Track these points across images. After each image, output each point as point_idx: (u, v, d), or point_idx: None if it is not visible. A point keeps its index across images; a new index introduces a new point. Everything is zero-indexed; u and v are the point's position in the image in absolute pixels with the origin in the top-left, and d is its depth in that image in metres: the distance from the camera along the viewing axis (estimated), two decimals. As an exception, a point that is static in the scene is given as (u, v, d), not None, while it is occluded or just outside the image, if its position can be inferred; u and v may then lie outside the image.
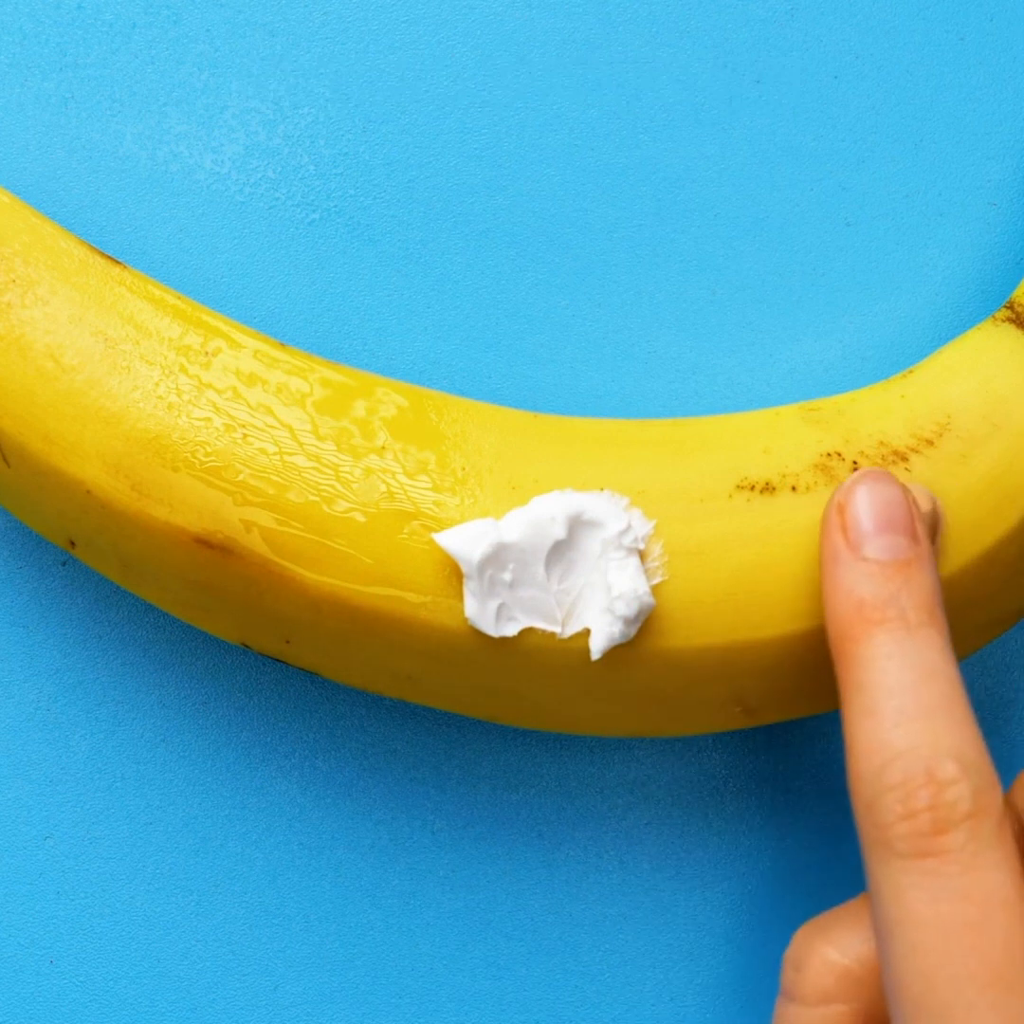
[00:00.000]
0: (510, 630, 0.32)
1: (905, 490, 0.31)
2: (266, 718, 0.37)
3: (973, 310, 0.38)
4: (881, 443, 0.33)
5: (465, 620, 0.32)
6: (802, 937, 0.31)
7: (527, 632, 0.32)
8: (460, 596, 0.32)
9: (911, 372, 0.34)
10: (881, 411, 0.33)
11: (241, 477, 0.32)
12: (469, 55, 0.38)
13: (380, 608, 0.32)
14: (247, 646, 0.34)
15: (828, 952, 0.30)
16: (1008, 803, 0.31)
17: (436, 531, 0.32)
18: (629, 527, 0.32)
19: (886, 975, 0.28)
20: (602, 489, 0.32)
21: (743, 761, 0.37)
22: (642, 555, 0.32)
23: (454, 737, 0.37)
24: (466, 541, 0.31)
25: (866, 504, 0.31)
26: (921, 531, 0.31)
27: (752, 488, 0.32)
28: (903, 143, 0.38)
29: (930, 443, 0.33)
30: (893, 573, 0.30)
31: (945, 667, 0.29)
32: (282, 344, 0.34)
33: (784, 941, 0.37)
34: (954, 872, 0.27)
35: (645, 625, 0.32)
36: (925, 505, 0.32)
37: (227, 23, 0.38)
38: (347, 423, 0.33)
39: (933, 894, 0.27)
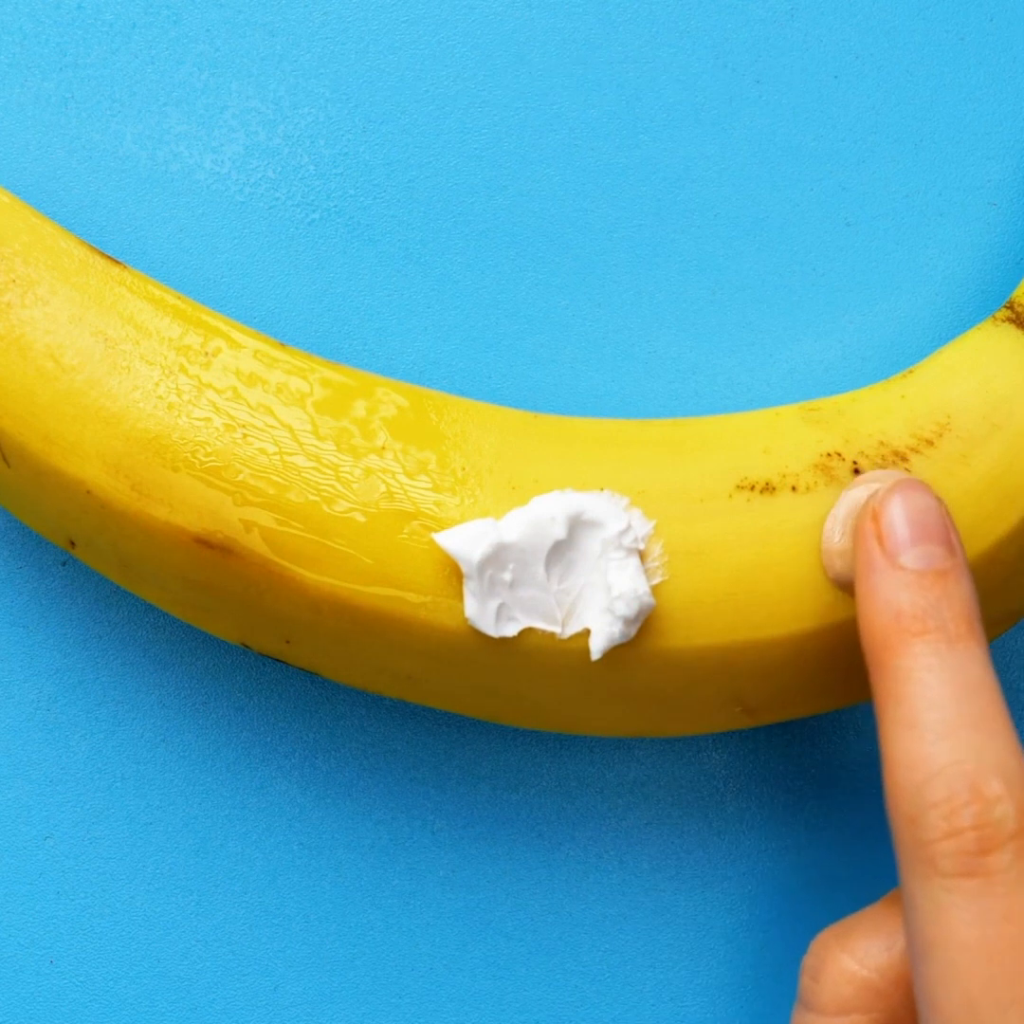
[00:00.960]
0: (510, 630, 0.32)
1: (939, 499, 0.31)
2: (266, 718, 0.37)
3: (973, 310, 0.38)
4: (881, 443, 0.33)
5: (465, 620, 0.32)
6: (820, 945, 0.31)
7: (527, 632, 0.32)
8: (460, 596, 0.32)
9: (911, 372, 0.34)
10: (881, 411, 0.33)
11: (241, 477, 0.32)
12: (469, 55, 0.38)
13: (380, 608, 0.32)
14: (247, 646, 0.34)
15: (846, 961, 0.30)
16: None
17: (436, 531, 0.32)
18: (629, 527, 0.32)
19: (920, 995, 0.27)
20: (602, 489, 0.32)
21: (743, 761, 0.37)
22: (642, 555, 0.32)
23: (454, 737, 0.37)
24: (466, 541, 0.31)
25: (901, 512, 0.30)
26: (956, 541, 0.30)
27: (752, 488, 0.32)
28: (903, 143, 0.38)
29: (930, 443, 0.33)
30: (931, 583, 0.29)
31: (986, 680, 0.29)
32: (282, 344, 0.34)
33: (784, 941, 0.37)
34: (1000, 893, 0.27)
35: (645, 625, 0.32)
36: None
37: (227, 23, 0.38)
38: (347, 423, 0.33)
39: (977, 915, 0.27)
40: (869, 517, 0.31)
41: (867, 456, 0.33)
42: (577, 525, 0.32)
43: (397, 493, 0.32)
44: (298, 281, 0.38)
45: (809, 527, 0.32)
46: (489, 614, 0.32)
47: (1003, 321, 0.34)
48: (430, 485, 0.32)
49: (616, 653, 0.32)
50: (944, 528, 0.30)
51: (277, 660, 0.35)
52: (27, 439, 0.33)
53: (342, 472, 0.32)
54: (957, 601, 0.29)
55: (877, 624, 0.29)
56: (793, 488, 0.32)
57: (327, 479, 0.32)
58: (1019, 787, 0.27)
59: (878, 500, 0.31)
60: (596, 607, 0.32)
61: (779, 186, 0.38)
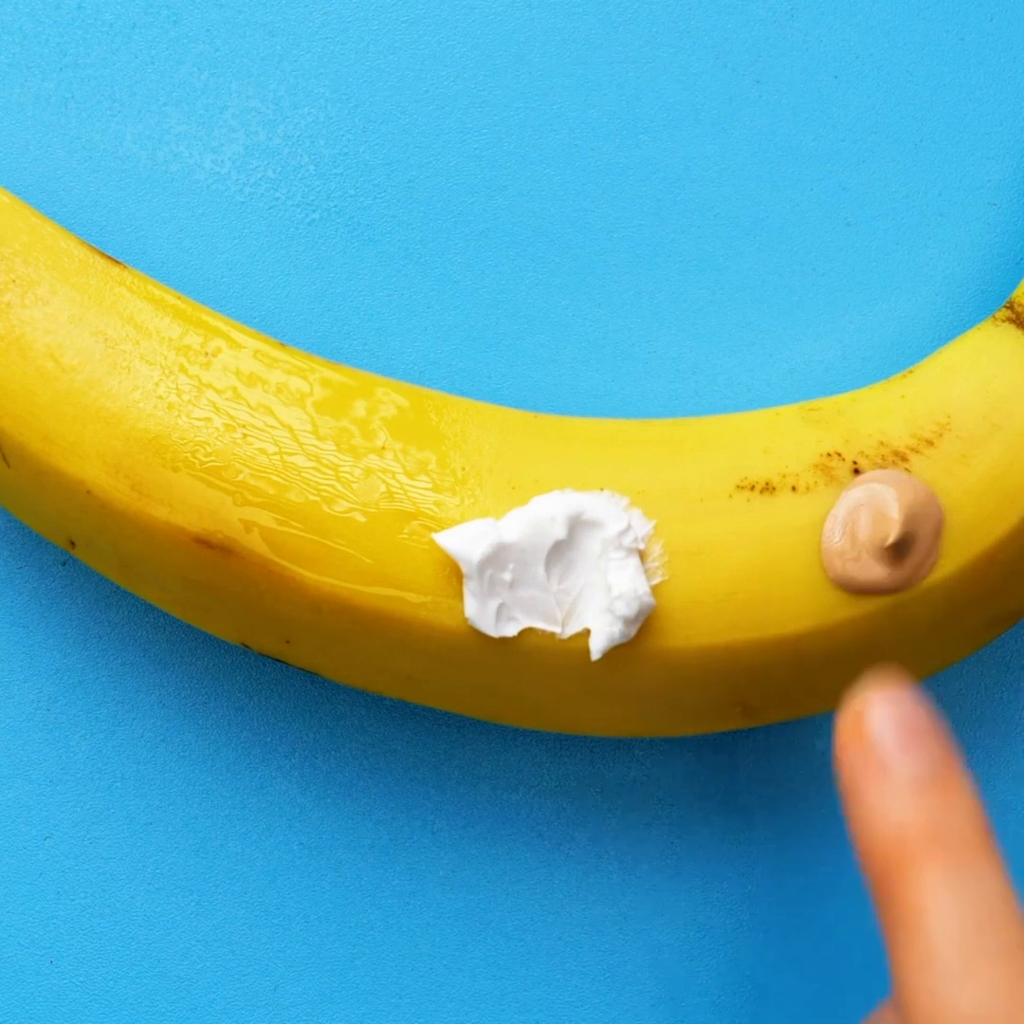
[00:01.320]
0: (510, 630, 0.32)
1: (921, 695, 0.28)
2: (266, 718, 0.37)
3: (973, 310, 0.38)
4: (881, 443, 0.33)
5: (465, 620, 0.32)
6: None
7: (527, 632, 0.32)
8: (460, 596, 0.32)
9: (911, 372, 0.34)
10: (881, 411, 0.33)
11: (241, 477, 0.32)
12: (469, 55, 0.38)
13: (380, 608, 0.32)
14: (247, 646, 0.34)
15: None
16: None
17: (436, 531, 0.32)
18: (629, 527, 0.32)
19: None
20: (602, 489, 0.32)
21: (743, 761, 0.37)
22: (642, 555, 0.32)
23: (454, 737, 0.37)
24: (466, 541, 0.31)
25: (887, 716, 0.28)
26: (947, 740, 0.28)
27: (752, 488, 0.33)
28: (903, 143, 0.38)
29: (930, 443, 0.33)
30: (932, 795, 0.27)
31: (1006, 902, 0.26)
32: (282, 344, 0.34)
33: (784, 942, 0.37)
34: None
35: (645, 625, 0.32)
36: (928, 505, 0.32)
37: (227, 23, 0.38)
38: (347, 423, 0.33)
39: None
40: (853, 720, 0.28)
41: (867, 456, 0.33)
42: (577, 525, 0.32)
43: (397, 493, 0.32)
44: (298, 281, 0.38)
45: (809, 527, 0.32)
46: (489, 614, 0.32)
47: (1003, 321, 0.35)
48: (430, 485, 0.32)
49: (616, 653, 0.32)
50: (933, 726, 0.28)
51: (277, 660, 0.35)
52: (27, 439, 0.33)
53: (342, 472, 0.32)
54: (961, 813, 0.27)
55: (878, 844, 0.27)
56: (793, 488, 0.32)
57: (327, 479, 0.32)
58: None
59: (860, 701, 0.28)
60: (596, 607, 0.32)
61: (779, 186, 0.38)
